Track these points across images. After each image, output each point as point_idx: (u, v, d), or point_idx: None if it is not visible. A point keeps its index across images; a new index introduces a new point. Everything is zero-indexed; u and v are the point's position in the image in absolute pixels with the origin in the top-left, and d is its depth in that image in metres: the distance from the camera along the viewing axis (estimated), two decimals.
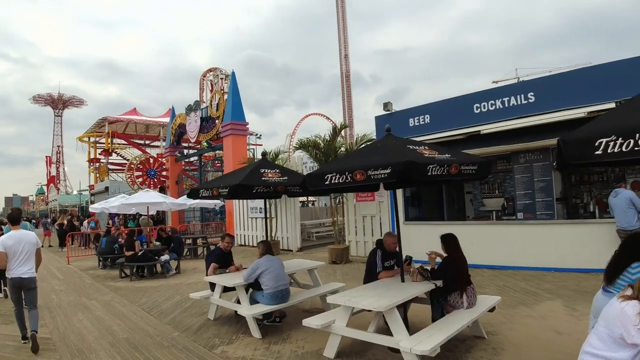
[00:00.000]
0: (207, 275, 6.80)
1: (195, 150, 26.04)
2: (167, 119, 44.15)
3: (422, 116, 12.04)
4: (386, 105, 12.54)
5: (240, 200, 18.39)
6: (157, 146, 46.47)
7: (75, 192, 56.79)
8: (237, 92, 19.72)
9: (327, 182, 4.57)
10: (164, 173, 26.12)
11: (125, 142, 45.62)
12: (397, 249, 6.18)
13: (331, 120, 78.45)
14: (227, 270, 6.87)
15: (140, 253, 10.81)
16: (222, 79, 22.33)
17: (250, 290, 6.35)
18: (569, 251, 9.53)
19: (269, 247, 6.36)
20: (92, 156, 46.37)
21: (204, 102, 22.18)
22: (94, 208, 13.54)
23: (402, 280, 5.51)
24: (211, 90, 23.48)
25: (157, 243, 11.71)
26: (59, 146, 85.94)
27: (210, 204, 15.27)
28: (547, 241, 10.00)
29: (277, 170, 6.70)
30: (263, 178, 6.29)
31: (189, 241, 15.20)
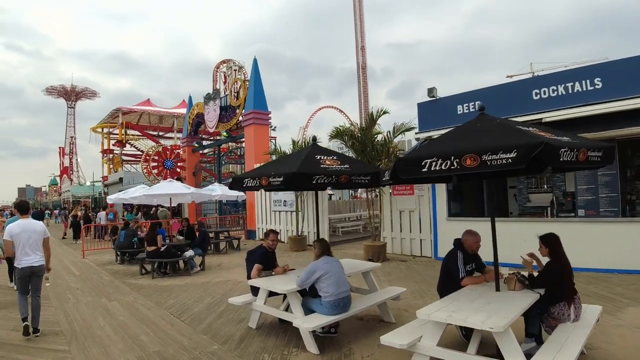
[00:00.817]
0: (249, 278, 5.85)
1: (213, 141, 25.12)
2: (181, 110, 43.71)
3: (473, 103, 10.96)
4: (431, 91, 11.48)
5: (264, 192, 17.48)
6: (170, 137, 45.85)
7: (88, 183, 56.48)
8: (259, 80, 18.74)
9: (425, 170, 3.76)
10: (180, 164, 25.28)
11: (139, 133, 45.03)
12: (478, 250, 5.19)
13: (344, 114, 77.46)
14: (273, 272, 5.91)
15: (163, 248, 9.91)
16: (235, 70, 21.52)
17: (302, 297, 5.40)
18: (634, 251, 8.71)
19: (326, 247, 5.40)
20: (105, 147, 45.90)
21: (225, 91, 21.26)
22: (111, 199, 12.70)
23: (497, 289, 4.50)
24: (224, 82, 22.60)
25: (181, 237, 10.81)
26: (72, 137, 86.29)
27: (232, 196, 14.37)
28: (610, 240, 9.12)
29: (335, 157, 5.72)
30: (322, 166, 5.31)
31: (211, 235, 14.31)
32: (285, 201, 16.32)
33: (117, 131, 43.03)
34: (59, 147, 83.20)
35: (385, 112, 11.23)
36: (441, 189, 11.50)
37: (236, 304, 5.82)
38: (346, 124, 14.26)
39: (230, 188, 6.03)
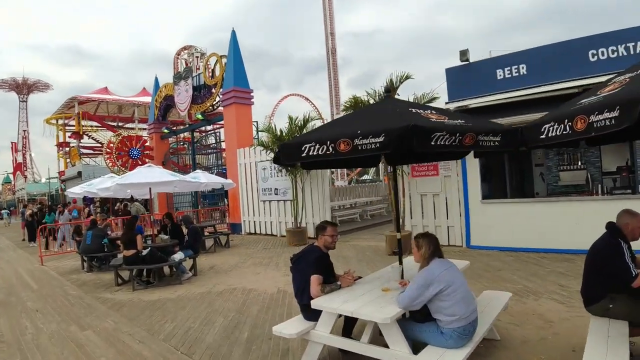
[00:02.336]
0: (300, 294, 3.93)
1: (186, 126, 22.59)
2: (142, 99, 40.59)
3: (516, 66, 9.34)
4: (463, 54, 9.76)
5: (248, 180, 15.41)
6: (131, 128, 42.58)
7: (44, 180, 52.27)
8: (238, 55, 16.50)
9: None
10: (148, 152, 22.71)
11: (98, 124, 41.55)
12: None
13: (310, 102, 75.55)
14: (339, 283, 3.99)
15: (145, 252, 7.79)
16: (197, 57, 19.30)
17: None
18: None
19: (437, 245, 3.52)
20: (61, 140, 42.17)
21: (197, 70, 18.86)
22: (73, 193, 10.30)
23: None
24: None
25: (166, 237, 8.69)
26: (24, 131, 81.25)
27: (218, 183, 12.32)
28: None
29: (436, 112, 3.84)
30: (433, 120, 3.43)
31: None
32: (276, 189, 14.32)
33: (73, 122, 39.47)
34: (11, 143, 78.53)
35: (408, 77, 9.40)
36: (473, 167, 9.84)
37: (286, 336, 3.85)
38: (312, 112, 12.46)
39: (276, 162, 4.05)
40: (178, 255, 8.08)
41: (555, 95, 8.40)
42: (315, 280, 3.80)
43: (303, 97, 77.56)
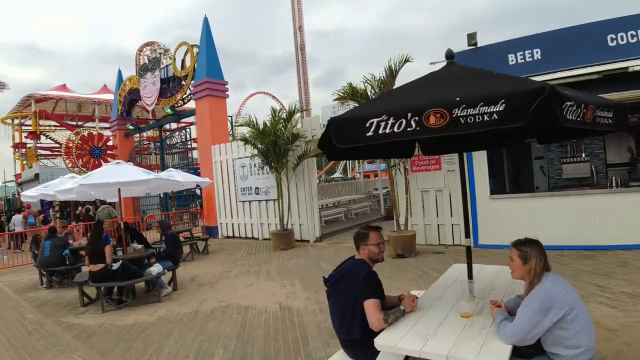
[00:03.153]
0: (374, 326, 2.81)
1: (154, 122, 20.99)
2: (103, 96, 38.24)
3: (530, 50, 8.60)
4: (472, 37, 8.94)
5: (225, 179, 14.18)
6: (92, 127, 40.09)
7: (0, 184, 48.82)
8: (212, 44, 15.22)
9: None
10: (111, 152, 21.02)
11: (56, 123, 38.89)
12: None
13: (277, 100, 74.03)
14: (402, 307, 2.94)
15: (116, 266, 6.54)
16: (160, 54, 18.02)
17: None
18: None
19: (545, 253, 2.56)
20: (17, 141, 39.23)
21: (162, 58, 17.39)
22: (28, 196, 8.79)
23: None
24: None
25: (139, 246, 7.41)
26: None
27: (192, 183, 11.11)
28: None
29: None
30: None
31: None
32: (257, 189, 13.17)
33: (30, 122, 36.78)
34: None
35: (407, 61, 8.45)
36: (480, 159, 9.07)
37: None
38: (281, 110, 11.47)
39: (337, 141, 2.88)
40: (155, 268, 6.86)
41: (573, 82, 7.74)
42: (373, 306, 2.77)
43: (270, 95, 75.99)
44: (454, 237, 9.55)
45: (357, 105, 8.95)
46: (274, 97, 75.33)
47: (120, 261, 6.64)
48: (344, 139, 2.61)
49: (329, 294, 3.11)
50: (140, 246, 7.45)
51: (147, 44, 21.81)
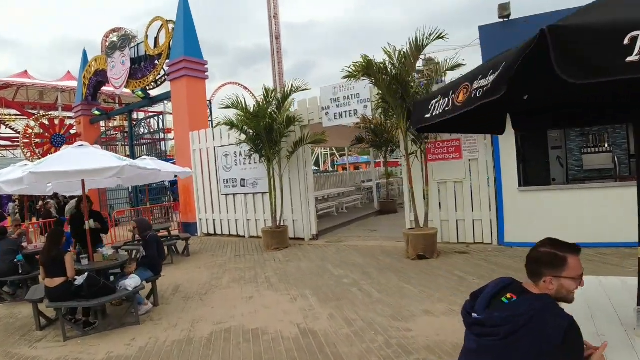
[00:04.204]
0: None
1: (123, 107, 19.11)
2: (67, 83, 35.66)
3: None
4: (504, 9, 7.75)
5: (205, 169, 12.67)
6: (55, 116, 37.37)
7: None
8: (190, 20, 13.58)
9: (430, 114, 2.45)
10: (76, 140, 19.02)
11: (18, 112, 36.05)
12: None
13: (248, 90, 71.79)
14: None
15: (80, 280, 5.05)
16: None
17: None
18: None
19: None
20: None
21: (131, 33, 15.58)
22: None
23: None
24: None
25: (108, 251, 5.89)
26: None
27: (170, 173, 9.64)
28: None
29: None
30: None
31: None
32: (243, 180, 11.73)
33: None
34: None
35: (440, 37, 7.16)
36: (508, 146, 7.97)
37: None
38: (250, 101, 10.10)
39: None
40: (132, 281, 5.40)
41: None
42: None
43: (241, 85, 73.77)
44: (475, 235, 8.43)
45: (371, 82, 7.67)
46: (245, 88, 73.10)
47: (86, 274, 5.16)
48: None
49: (479, 341, 1.79)
50: (110, 251, 5.94)
51: (113, 30, 19.74)
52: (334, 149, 39.41)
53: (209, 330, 4.84)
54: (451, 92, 2.21)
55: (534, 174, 10.36)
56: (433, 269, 6.78)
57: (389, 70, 7.27)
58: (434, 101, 2.46)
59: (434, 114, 2.45)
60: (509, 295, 1.79)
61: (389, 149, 14.92)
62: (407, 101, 7.44)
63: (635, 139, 2.90)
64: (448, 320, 4.54)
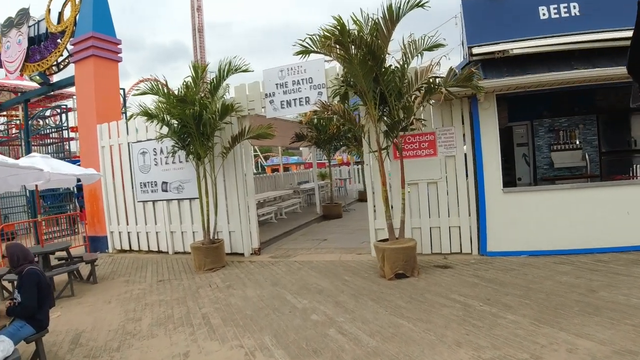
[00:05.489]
0: None
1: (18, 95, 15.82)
2: None
3: (566, 4, 6.49)
4: None
5: (117, 170, 10.45)
6: None
7: None
8: None
9: None
10: None
11: None
12: None
13: (169, 88, 67.43)
14: None
15: None
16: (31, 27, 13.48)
17: None
18: None
19: None
20: None
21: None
22: None
23: None
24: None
25: None
26: None
27: (71, 176, 7.44)
28: None
29: None
30: None
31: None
32: (165, 183, 9.67)
33: None
34: None
35: (419, 5, 5.74)
36: (491, 141, 6.85)
37: None
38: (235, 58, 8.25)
39: None
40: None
41: (617, 47, 5.95)
42: None
43: (158, 81, 69.24)
44: (451, 244, 7.18)
45: (338, 57, 6.15)
46: (165, 85, 68.83)
47: None
48: None
49: None
50: None
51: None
52: (257, 149, 37.29)
53: None
54: None
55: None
56: (421, 292, 5.36)
57: (365, 39, 5.73)
58: None
59: None
60: None
61: (333, 146, 13.51)
62: (380, 84, 5.98)
63: None
64: None
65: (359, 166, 21.50)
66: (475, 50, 6.35)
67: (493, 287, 5.34)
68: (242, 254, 8.70)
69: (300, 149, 54.66)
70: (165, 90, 7.85)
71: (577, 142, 9.09)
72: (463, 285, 5.49)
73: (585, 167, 9.02)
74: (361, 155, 22.08)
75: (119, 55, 11.43)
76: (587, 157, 9.00)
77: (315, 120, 12.57)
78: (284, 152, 24.07)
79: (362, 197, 18.09)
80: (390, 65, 6.12)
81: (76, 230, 14.17)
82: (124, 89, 14.80)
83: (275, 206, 13.35)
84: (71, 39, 11.27)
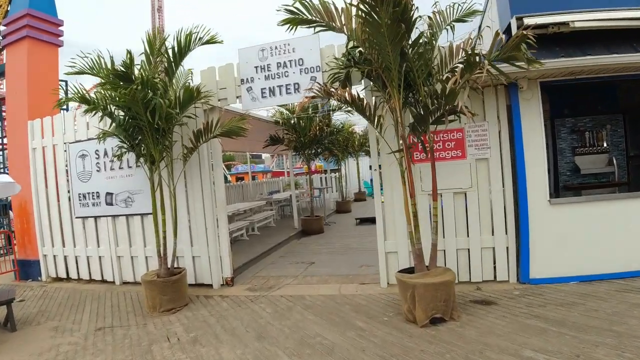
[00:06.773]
0: None
1: None
2: None
3: None
4: None
5: (51, 178, 8.36)
6: None
7: None
8: None
9: None
10: None
11: None
12: None
13: None
14: None
15: None
16: None
17: None
18: None
19: None
20: None
21: None
22: None
23: None
24: None
25: None
26: None
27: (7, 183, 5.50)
28: None
29: None
30: None
31: None
32: (111, 195, 7.68)
33: None
34: None
35: None
36: (535, 139, 5.38)
37: None
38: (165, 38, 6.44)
39: None
40: None
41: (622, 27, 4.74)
42: None
43: (102, 58, 65.51)
44: (483, 270, 5.63)
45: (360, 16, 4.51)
46: (112, 62, 65.16)
47: None
48: None
49: None
50: None
51: None
52: None
53: None
54: None
55: None
56: (477, 347, 3.75)
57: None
58: None
59: None
60: None
61: (313, 151, 11.82)
62: (408, 59, 4.39)
63: None
64: None
65: (336, 174, 19.88)
66: (528, 21, 4.82)
67: (569, 333, 3.83)
68: (210, 286, 6.84)
69: (263, 157, 52.27)
70: (109, 67, 5.89)
71: (605, 145, 7.85)
72: (526, 332, 3.92)
73: (613, 173, 7.79)
74: (356, 157, 20.72)
75: (60, 38, 9.34)
76: (614, 161, 7.76)
77: (294, 120, 10.88)
78: (248, 161, 22.14)
79: (339, 209, 16.57)
80: (422, 33, 4.53)
81: (8, 251, 11.82)
82: (66, 82, 12.54)
83: (246, 220, 11.49)
84: (3, 20, 9.16)
